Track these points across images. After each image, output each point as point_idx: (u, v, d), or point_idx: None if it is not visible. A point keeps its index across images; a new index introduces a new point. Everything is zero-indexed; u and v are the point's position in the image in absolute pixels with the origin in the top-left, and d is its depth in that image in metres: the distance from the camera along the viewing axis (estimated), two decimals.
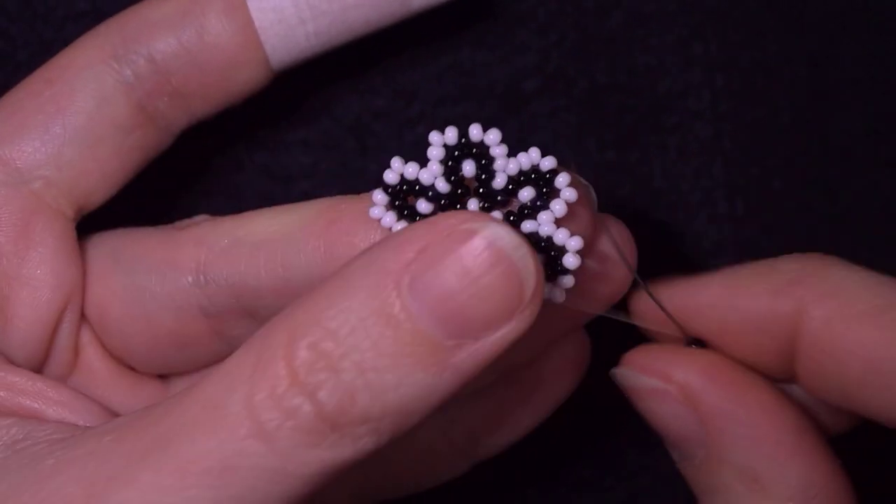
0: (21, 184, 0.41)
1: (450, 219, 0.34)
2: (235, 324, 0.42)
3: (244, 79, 0.42)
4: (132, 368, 0.44)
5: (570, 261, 0.36)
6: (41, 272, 0.41)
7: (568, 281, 0.37)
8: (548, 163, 0.37)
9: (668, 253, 0.47)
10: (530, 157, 0.37)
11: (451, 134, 0.37)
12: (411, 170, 0.37)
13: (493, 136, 0.36)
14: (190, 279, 0.41)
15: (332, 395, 0.33)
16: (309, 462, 0.33)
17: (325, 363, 0.33)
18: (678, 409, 0.39)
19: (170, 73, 0.41)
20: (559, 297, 0.37)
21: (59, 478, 0.34)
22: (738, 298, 0.39)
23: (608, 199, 0.47)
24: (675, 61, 0.47)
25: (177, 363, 0.43)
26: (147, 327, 0.42)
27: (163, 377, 0.44)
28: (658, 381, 0.39)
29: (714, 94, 0.47)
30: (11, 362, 0.40)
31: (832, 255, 0.39)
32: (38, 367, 0.42)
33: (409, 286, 0.33)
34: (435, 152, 0.37)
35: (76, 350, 0.43)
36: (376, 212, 0.38)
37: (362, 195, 0.40)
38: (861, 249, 0.48)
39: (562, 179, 0.36)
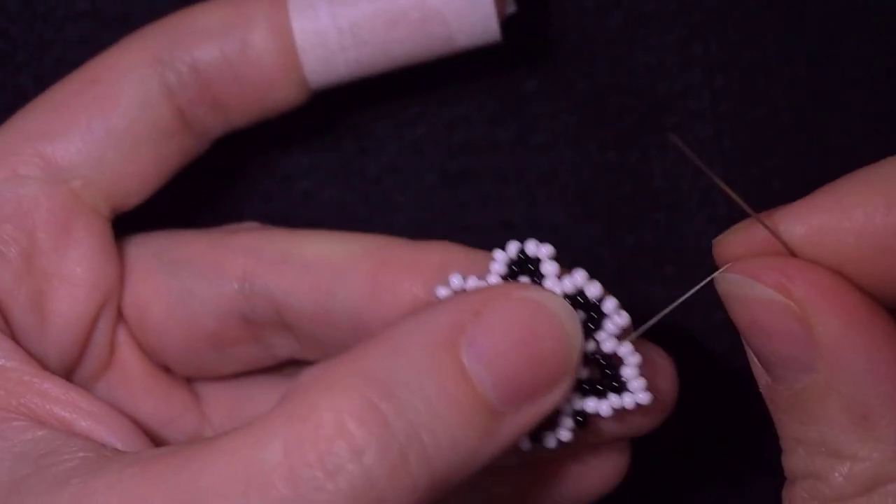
0: (61, 182, 0.41)
1: (503, 286, 0.35)
2: (274, 333, 0.42)
3: (282, 96, 0.42)
4: (166, 369, 0.44)
5: (636, 384, 0.36)
6: (80, 270, 0.41)
7: (632, 400, 0.36)
8: (594, 290, 0.36)
9: (667, 253, 0.47)
10: (574, 280, 0.36)
11: (513, 249, 0.36)
12: (472, 283, 0.37)
13: (545, 251, 0.36)
14: (235, 286, 0.41)
15: (384, 456, 0.32)
16: None
17: (378, 417, 0.32)
18: (793, 328, 0.34)
19: (211, 82, 0.41)
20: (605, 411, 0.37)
21: None
22: (851, 218, 0.35)
23: (608, 199, 0.47)
24: (675, 61, 0.47)
25: (213, 364, 0.43)
26: (187, 328, 0.42)
27: (194, 382, 0.44)
28: (775, 293, 0.34)
29: (714, 95, 0.46)
30: (46, 366, 0.39)
31: None
32: (74, 365, 0.42)
33: (467, 347, 0.33)
34: (497, 267, 0.37)
35: (112, 348, 0.43)
36: None
37: (417, 244, 0.40)
38: None
39: (610, 305, 0.36)
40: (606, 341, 0.36)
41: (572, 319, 0.34)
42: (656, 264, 0.47)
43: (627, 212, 0.47)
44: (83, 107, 0.41)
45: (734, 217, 0.47)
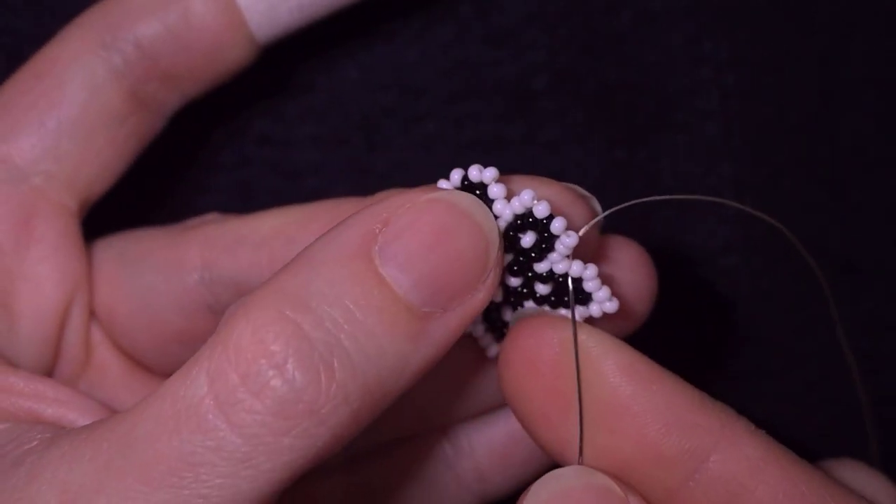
0: (20, 180, 0.41)
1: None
2: None
3: (232, 57, 0.42)
4: (145, 366, 0.43)
5: (601, 295, 0.36)
6: (43, 268, 0.41)
7: (599, 308, 0.36)
8: (542, 209, 0.35)
9: (676, 252, 0.47)
10: (522, 200, 0.35)
11: (456, 177, 0.36)
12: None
13: (489, 174, 0.35)
14: (195, 277, 0.41)
15: (308, 368, 0.32)
16: (281, 451, 0.32)
17: (295, 330, 0.32)
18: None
19: (158, 57, 0.41)
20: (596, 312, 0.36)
21: (34, 484, 0.33)
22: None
23: (617, 197, 0.47)
24: (684, 59, 0.47)
25: (186, 360, 0.43)
26: (155, 326, 0.42)
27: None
28: None
29: (723, 93, 0.46)
30: (13, 363, 0.39)
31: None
32: (49, 366, 0.42)
33: (380, 254, 0.33)
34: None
35: (87, 348, 0.42)
36: None
37: (366, 198, 0.39)
38: (870, 249, 0.48)
39: (557, 225, 0.35)
40: (558, 263, 0.35)
41: (484, 214, 0.34)
42: (664, 261, 0.47)
43: (636, 209, 0.47)
44: (32, 103, 0.41)
45: (743, 216, 0.47)
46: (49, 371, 0.42)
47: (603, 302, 0.36)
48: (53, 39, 0.42)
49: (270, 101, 0.47)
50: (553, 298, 0.36)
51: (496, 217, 0.35)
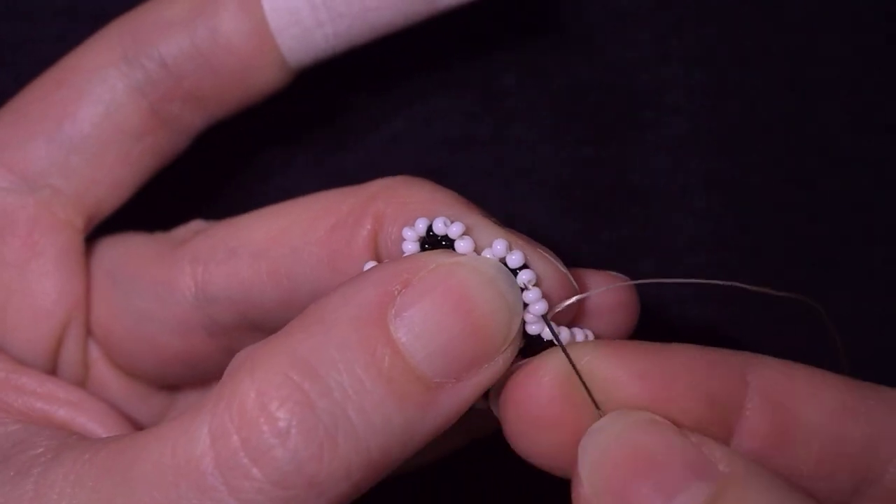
0: (27, 192, 0.40)
1: (434, 254, 0.33)
2: (243, 339, 0.40)
3: (262, 80, 0.40)
4: (144, 381, 0.42)
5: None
6: (43, 283, 0.40)
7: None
8: (515, 259, 0.34)
9: (645, 248, 0.47)
10: (494, 251, 0.34)
11: (421, 226, 0.34)
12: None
13: (455, 230, 0.34)
14: (189, 299, 0.39)
15: (310, 440, 0.31)
16: None
17: (301, 398, 0.31)
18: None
19: (182, 76, 0.40)
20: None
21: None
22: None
23: (586, 194, 0.47)
24: (653, 57, 0.46)
25: (186, 378, 0.42)
26: (152, 348, 0.41)
27: (174, 389, 0.43)
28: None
29: (691, 89, 0.46)
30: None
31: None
32: None
33: (395, 318, 0.32)
34: (410, 247, 0.35)
35: (85, 365, 0.41)
36: None
37: (359, 187, 0.38)
38: (839, 245, 0.48)
39: (525, 277, 0.34)
40: (533, 324, 0.34)
41: (509, 283, 0.33)
42: (634, 259, 0.47)
43: (605, 207, 0.47)
44: (45, 112, 0.40)
45: (712, 212, 0.47)
46: None
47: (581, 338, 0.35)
48: (81, 45, 0.41)
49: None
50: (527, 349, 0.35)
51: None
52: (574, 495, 0.32)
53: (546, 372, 0.33)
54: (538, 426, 0.33)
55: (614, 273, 0.38)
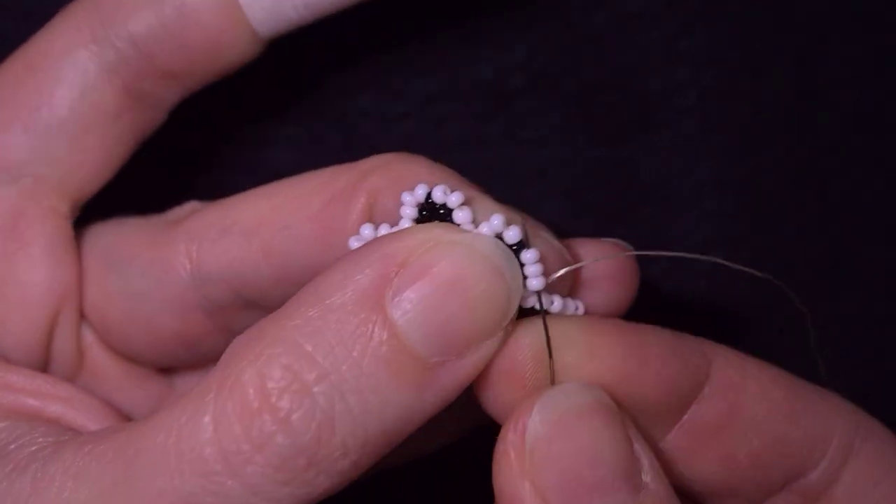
0: (9, 182, 0.39)
1: (433, 230, 0.33)
2: (240, 317, 0.40)
3: (233, 53, 0.40)
4: (141, 363, 0.42)
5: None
6: (32, 274, 0.40)
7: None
8: (512, 235, 0.34)
9: (656, 249, 0.47)
10: (492, 225, 0.34)
11: (420, 192, 0.35)
12: (384, 230, 0.35)
13: (454, 199, 0.34)
14: (185, 278, 0.40)
15: (309, 422, 0.32)
16: (280, 499, 0.32)
17: (299, 386, 0.32)
18: None
19: (153, 53, 0.39)
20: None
21: (39, 499, 0.33)
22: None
23: (597, 195, 0.47)
24: (663, 59, 0.47)
25: (183, 360, 0.42)
26: (148, 329, 0.41)
27: (170, 371, 0.43)
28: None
29: (701, 92, 0.47)
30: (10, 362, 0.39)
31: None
32: (40, 370, 0.40)
33: (392, 299, 0.32)
34: (407, 211, 0.35)
35: (80, 352, 0.41)
36: None
37: (354, 164, 0.38)
38: (850, 246, 0.48)
39: (529, 256, 0.34)
40: (528, 298, 0.34)
41: (507, 260, 0.33)
42: (644, 260, 0.47)
43: (616, 208, 0.47)
44: (22, 100, 0.39)
45: (723, 214, 0.47)
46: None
47: (573, 310, 0.36)
48: (45, 29, 0.40)
49: (246, 103, 0.47)
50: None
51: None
52: (506, 443, 0.33)
53: (524, 335, 0.34)
54: (504, 381, 0.34)
55: (615, 241, 0.38)
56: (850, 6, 0.46)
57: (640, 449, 0.33)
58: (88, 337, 0.42)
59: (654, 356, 0.35)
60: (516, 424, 0.33)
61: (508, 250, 0.33)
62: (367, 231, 0.35)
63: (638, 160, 0.47)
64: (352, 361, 0.32)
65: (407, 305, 0.32)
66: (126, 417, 0.40)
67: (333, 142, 0.47)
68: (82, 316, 0.41)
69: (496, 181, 0.47)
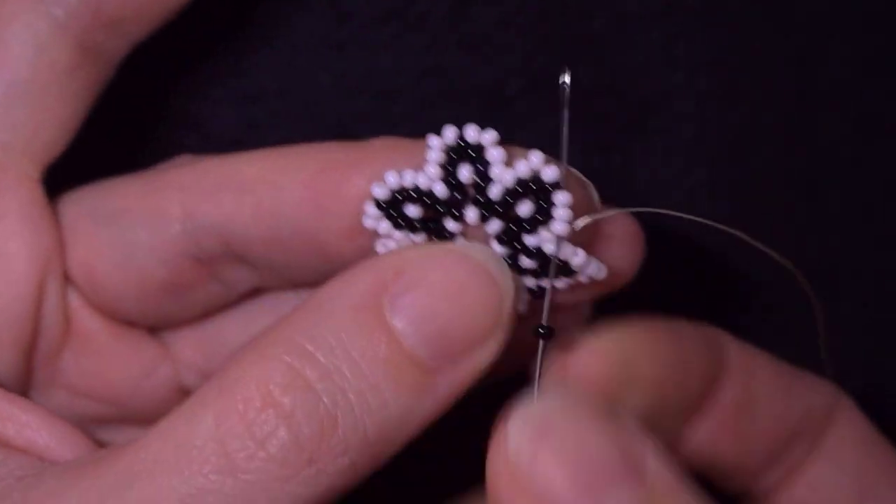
0: None
1: (425, 246, 0.34)
2: (229, 268, 0.40)
3: None
4: (128, 324, 0.42)
5: (588, 270, 0.35)
6: (12, 245, 0.39)
7: (586, 276, 0.36)
8: (550, 173, 0.34)
9: (651, 255, 0.47)
10: (530, 163, 0.34)
11: (450, 134, 0.34)
12: (408, 177, 0.35)
13: (488, 137, 0.34)
14: (178, 227, 0.39)
15: (311, 419, 0.32)
16: (281, 497, 0.32)
17: (302, 383, 0.32)
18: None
19: (101, 4, 0.39)
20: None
21: None
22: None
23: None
24: (659, 63, 0.46)
25: (175, 312, 0.42)
26: (139, 280, 0.40)
27: (158, 332, 0.43)
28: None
29: (698, 96, 0.46)
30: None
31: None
32: (31, 342, 0.40)
33: (390, 305, 0.33)
34: (434, 155, 0.35)
35: (66, 316, 0.41)
36: (370, 222, 0.36)
37: (354, 144, 0.38)
38: (846, 251, 0.48)
39: (562, 198, 0.34)
40: (547, 242, 0.34)
41: (500, 267, 0.34)
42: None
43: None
44: None
45: (719, 219, 0.47)
46: (32, 348, 0.40)
47: (594, 271, 0.35)
48: None
49: (243, 108, 0.47)
50: (537, 271, 0.35)
51: (490, 182, 0.34)
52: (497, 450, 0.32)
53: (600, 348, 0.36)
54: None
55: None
56: (848, 9, 0.46)
57: (640, 438, 0.32)
58: (74, 301, 0.41)
59: (692, 352, 0.37)
60: (497, 443, 0.32)
61: (500, 258, 0.34)
62: (391, 179, 0.35)
63: (634, 164, 0.47)
64: (352, 362, 0.32)
65: (405, 311, 0.33)
66: (100, 443, 0.39)
67: None
68: (67, 279, 0.41)
69: None
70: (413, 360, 0.33)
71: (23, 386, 0.41)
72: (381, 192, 0.35)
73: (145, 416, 0.43)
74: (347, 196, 0.37)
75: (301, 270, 0.39)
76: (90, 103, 0.40)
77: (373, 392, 0.33)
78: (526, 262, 0.35)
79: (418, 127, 0.46)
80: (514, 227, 0.34)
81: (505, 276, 0.34)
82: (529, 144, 0.47)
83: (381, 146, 0.37)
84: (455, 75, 0.47)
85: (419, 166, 0.35)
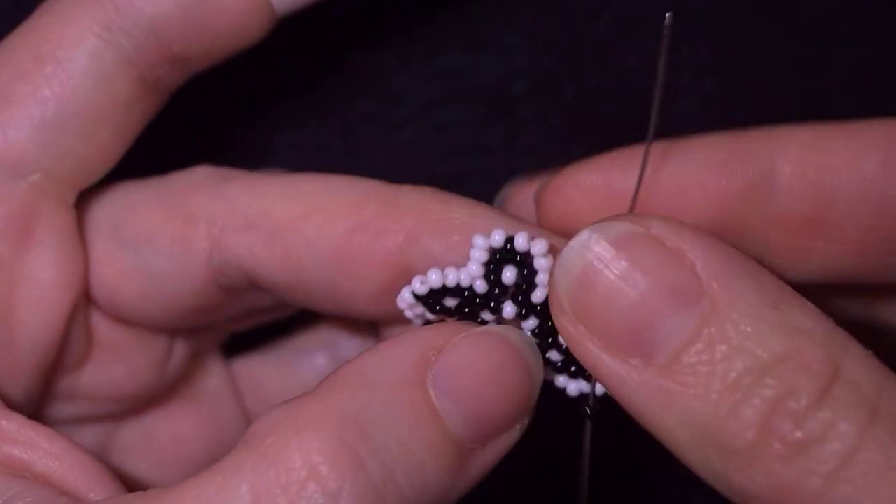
0: (18, 178, 0.38)
1: (460, 323, 0.34)
2: (252, 294, 0.40)
3: (252, 35, 0.38)
4: (149, 331, 0.42)
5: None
6: (46, 274, 0.38)
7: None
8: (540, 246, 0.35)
9: None
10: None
11: (498, 238, 0.35)
12: (451, 276, 0.35)
13: (539, 248, 0.35)
14: (204, 258, 0.39)
15: (361, 497, 0.31)
16: None
17: (352, 459, 0.31)
18: (673, 261, 0.33)
19: (171, 41, 0.38)
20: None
21: None
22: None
23: None
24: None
25: (197, 325, 0.42)
26: (164, 306, 0.40)
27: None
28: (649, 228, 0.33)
29: (704, 98, 0.46)
30: (20, 375, 0.38)
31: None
32: (52, 366, 0.40)
33: (434, 383, 0.32)
34: (478, 255, 0.35)
35: (89, 335, 0.40)
36: (405, 306, 0.36)
37: (390, 196, 0.37)
38: None
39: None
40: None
41: (534, 352, 0.34)
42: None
43: None
44: (32, 92, 0.37)
45: None
46: (55, 368, 0.40)
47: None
48: (49, 12, 0.38)
49: (248, 109, 0.47)
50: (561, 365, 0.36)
51: (535, 287, 0.35)
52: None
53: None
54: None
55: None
56: (852, 10, 0.46)
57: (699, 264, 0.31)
58: (95, 314, 0.41)
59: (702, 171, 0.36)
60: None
61: (534, 343, 0.34)
62: (418, 284, 0.35)
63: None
64: (401, 440, 0.32)
65: (448, 390, 0.32)
66: (119, 473, 0.38)
67: (336, 148, 0.47)
68: (88, 299, 0.40)
69: (496, 188, 0.47)
70: (453, 440, 0.32)
71: (41, 401, 0.41)
72: (421, 289, 0.35)
73: (164, 395, 0.43)
74: (377, 263, 0.37)
75: (324, 308, 0.39)
76: (139, 132, 0.40)
77: (419, 473, 0.32)
78: (555, 356, 0.35)
79: (422, 128, 0.47)
80: (550, 324, 0.34)
81: (538, 364, 0.34)
82: (534, 146, 0.47)
83: (415, 204, 0.37)
84: (460, 77, 0.46)
85: (457, 257, 0.35)
